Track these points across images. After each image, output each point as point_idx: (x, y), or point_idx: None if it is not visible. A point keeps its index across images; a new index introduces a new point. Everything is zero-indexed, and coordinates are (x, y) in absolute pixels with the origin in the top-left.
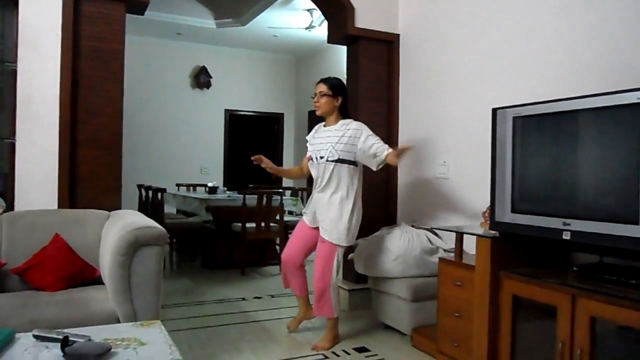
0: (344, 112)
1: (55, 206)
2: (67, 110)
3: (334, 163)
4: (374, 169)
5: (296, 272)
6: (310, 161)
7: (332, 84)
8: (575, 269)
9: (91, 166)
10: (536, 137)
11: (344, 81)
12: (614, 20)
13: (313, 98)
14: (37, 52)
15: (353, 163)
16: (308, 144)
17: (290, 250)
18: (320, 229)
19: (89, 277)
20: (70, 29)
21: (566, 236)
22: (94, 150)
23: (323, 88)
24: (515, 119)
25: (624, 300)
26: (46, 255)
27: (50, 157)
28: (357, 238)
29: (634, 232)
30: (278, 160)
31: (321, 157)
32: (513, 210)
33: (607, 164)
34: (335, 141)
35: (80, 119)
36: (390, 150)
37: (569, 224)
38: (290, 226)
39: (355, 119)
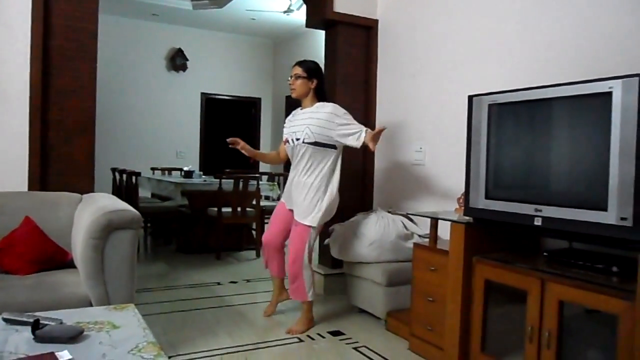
0: (321, 95)
1: (26, 188)
2: (38, 91)
3: (310, 145)
4: (357, 145)
5: (276, 254)
6: (287, 144)
7: (308, 66)
8: (545, 254)
9: (63, 148)
10: (511, 124)
11: (321, 65)
12: (590, 11)
13: (289, 80)
14: (6, 31)
15: (330, 146)
16: (284, 128)
17: (271, 232)
18: (294, 211)
19: (60, 260)
20: (41, 7)
21: (537, 222)
22: (66, 132)
23: (298, 70)
24: (490, 106)
25: (591, 284)
26: (16, 239)
27: (21, 139)
28: (333, 223)
29: (603, 219)
30: (255, 145)
31: (297, 139)
32: (487, 197)
33: (578, 152)
34: (311, 123)
35: (52, 100)
36: (367, 131)
37: (540, 210)
38: (267, 211)
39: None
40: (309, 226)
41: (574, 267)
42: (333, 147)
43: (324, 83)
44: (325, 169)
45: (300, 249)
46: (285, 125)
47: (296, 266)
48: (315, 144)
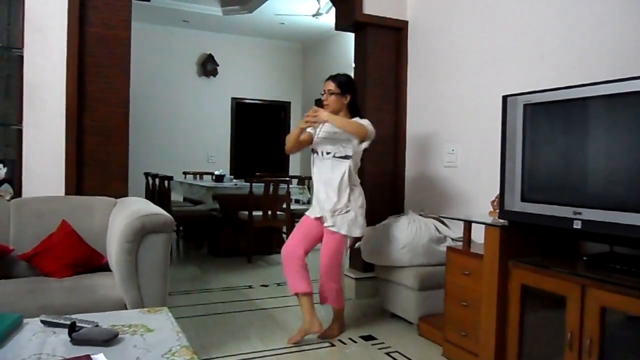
0: (354, 110)
1: (63, 193)
2: (74, 97)
3: (341, 159)
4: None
5: (297, 263)
6: (315, 154)
7: (340, 81)
8: (585, 258)
9: (98, 153)
10: (547, 124)
11: (352, 75)
12: (626, 6)
13: (322, 95)
14: (43, 39)
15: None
16: (313, 133)
17: (291, 242)
18: (329, 222)
19: (96, 263)
20: (77, 15)
21: (577, 225)
22: (100, 138)
23: (331, 86)
24: (525, 106)
25: (634, 290)
26: (54, 242)
27: (57, 144)
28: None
29: None
30: (284, 149)
31: (327, 153)
32: (523, 199)
33: (618, 152)
34: (343, 138)
35: (87, 106)
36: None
37: (579, 213)
38: (297, 215)
39: (363, 106)
40: (349, 236)
41: (616, 272)
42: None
43: (357, 97)
44: (354, 178)
45: (338, 259)
46: (312, 131)
47: (336, 276)
48: (346, 157)
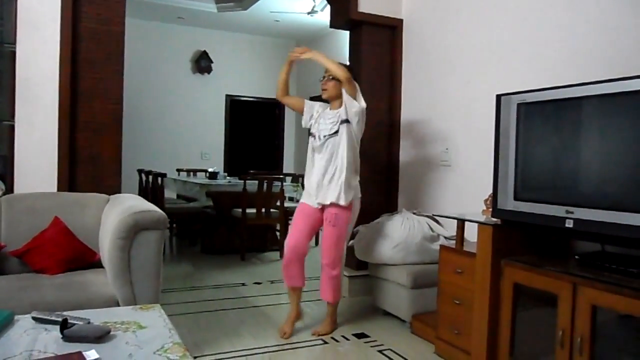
0: None
1: (55, 189)
2: (67, 92)
3: (334, 135)
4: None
5: (301, 259)
6: (312, 138)
7: None
8: (576, 257)
9: (91, 149)
10: (540, 124)
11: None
12: (621, 7)
13: (321, 80)
14: (36, 34)
15: (345, 121)
16: (311, 111)
17: (297, 235)
18: (332, 199)
19: (88, 260)
20: (70, 10)
21: (569, 224)
22: (93, 134)
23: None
24: (519, 105)
25: (625, 288)
26: (46, 238)
27: (50, 140)
28: (357, 225)
29: (637, 221)
30: (279, 147)
31: (324, 136)
32: (516, 198)
33: (611, 152)
34: (335, 120)
35: (80, 101)
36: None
37: (572, 212)
38: (291, 212)
39: None
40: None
41: (607, 271)
42: (347, 120)
43: None
44: (350, 146)
45: (339, 250)
46: (313, 113)
47: (337, 268)
48: (336, 132)
